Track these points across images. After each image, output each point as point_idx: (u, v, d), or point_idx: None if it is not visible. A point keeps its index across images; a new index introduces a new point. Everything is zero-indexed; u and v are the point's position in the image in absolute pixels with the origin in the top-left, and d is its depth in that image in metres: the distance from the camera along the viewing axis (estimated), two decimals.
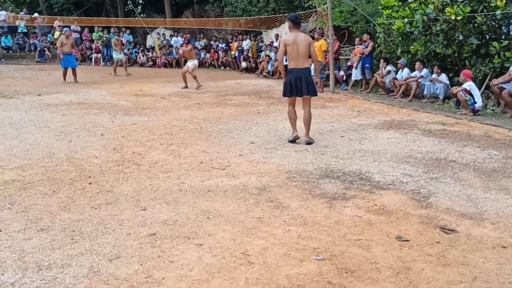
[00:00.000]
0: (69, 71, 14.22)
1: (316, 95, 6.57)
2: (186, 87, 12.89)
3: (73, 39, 15.02)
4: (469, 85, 8.89)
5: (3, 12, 22.76)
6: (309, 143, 6.27)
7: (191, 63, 13.28)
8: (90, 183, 4.57)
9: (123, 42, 22.23)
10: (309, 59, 6.59)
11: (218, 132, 7.08)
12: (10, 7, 25.76)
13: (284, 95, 6.51)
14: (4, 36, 21.43)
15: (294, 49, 6.22)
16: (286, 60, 6.51)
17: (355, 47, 13.30)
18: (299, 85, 6.27)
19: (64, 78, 14.27)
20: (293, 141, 6.38)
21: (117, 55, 17.38)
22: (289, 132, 6.67)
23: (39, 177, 4.72)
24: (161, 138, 6.64)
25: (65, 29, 17.11)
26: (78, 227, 3.51)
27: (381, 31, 12.20)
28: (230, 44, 20.50)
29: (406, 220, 3.73)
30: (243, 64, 18.92)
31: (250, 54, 19.32)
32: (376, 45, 12.81)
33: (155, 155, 5.72)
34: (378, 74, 12.14)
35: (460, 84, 9.31)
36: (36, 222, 3.58)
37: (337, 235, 3.42)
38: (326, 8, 12.49)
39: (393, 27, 11.52)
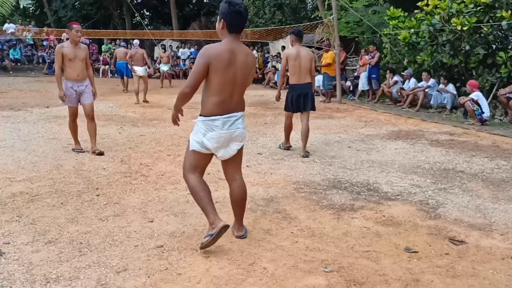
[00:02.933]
0: None
1: (315, 110, 6.55)
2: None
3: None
4: (477, 95, 8.87)
5: (12, 25, 23.02)
6: (305, 156, 6.22)
7: None
8: (97, 195, 4.58)
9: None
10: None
11: None
12: (19, 20, 26.08)
13: (286, 109, 6.49)
14: (12, 49, 21.66)
15: (296, 64, 6.17)
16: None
17: (361, 57, 13.34)
18: (300, 102, 6.25)
19: None
20: (284, 148, 6.57)
21: (163, 67, 17.51)
22: (296, 143, 6.68)
23: (47, 189, 4.74)
24: (168, 150, 6.66)
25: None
26: (86, 239, 3.51)
27: (387, 41, 12.23)
28: None
29: (415, 232, 3.70)
30: None
31: (256, 65, 19.39)
32: (382, 56, 12.83)
33: (162, 166, 5.73)
34: (385, 84, 12.14)
35: (467, 94, 9.29)
36: (44, 235, 3.58)
37: (345, 247, 3.40)
38: (332, 19, 12.55)
39: (399, 38, 11.54)
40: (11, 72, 20.12)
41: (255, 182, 5.08)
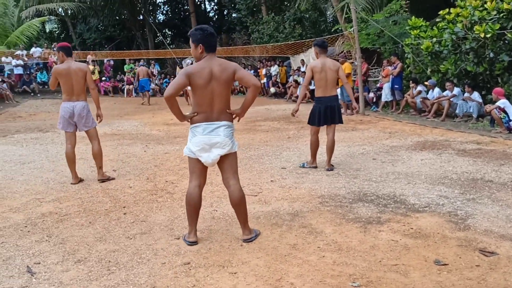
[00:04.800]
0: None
1: (342, 122, 6.45)
2: None
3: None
4: (503, 102, 8.70)
5: (38, 49, 23.71)
6: (330, 170, 6.16)
7: None
8: (124, 213, 4.65)
9: (153, 72, 22.85)
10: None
11: (249, 158, 7.10)
12: (45, 44, 26.85)
13: (311, 123, 6.30)
14: (39, 72, 22.27)
15: (322, 76, 6.04)
16: (312, 85, 6.43)
17: (384, 68, 13.26)
18: (328, 115, 6.12)
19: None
20: (309, 167, 6.30)
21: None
22: (320, 157, 6.64)
23: (75, 209, 4.83)
24: None
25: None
26: (114, 257, 3.56)
27: (410, 51, 12.13)
28: (259, 71, 20.73)
29: (444, 243, 3.63)
30: (272, 90, 19.08)
31: (278, 80, 19.48)
32: (405, 66, 12.73)
33: (187, 183, 5.69)
34: (409, 95, 12.03)
35: (493, 102, 9.13)
36: (73, 254, 3.65)
37: (373, 261, 3.35)
38: (353, 31, 12.54)
39: (421, 47, 11.44)
40: (38, 95, 20.68)
41: (279, 196, 5.07)
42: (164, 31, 31.36)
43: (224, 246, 3.71)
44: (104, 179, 5.96)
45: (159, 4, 31.64)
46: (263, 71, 20.14)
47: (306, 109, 13.60)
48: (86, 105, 5.89)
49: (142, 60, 23.31)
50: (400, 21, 13.53)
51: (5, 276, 3.28)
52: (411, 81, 12.11)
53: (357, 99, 12.63)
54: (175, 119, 8.32)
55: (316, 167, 6.32)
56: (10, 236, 4.08)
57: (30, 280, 3.20)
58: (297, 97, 16.84)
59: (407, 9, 14.23)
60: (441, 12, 11.15)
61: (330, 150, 6.24)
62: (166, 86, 22.37)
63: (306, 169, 6.24)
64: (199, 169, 3.76)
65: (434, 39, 11.13)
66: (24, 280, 3.21)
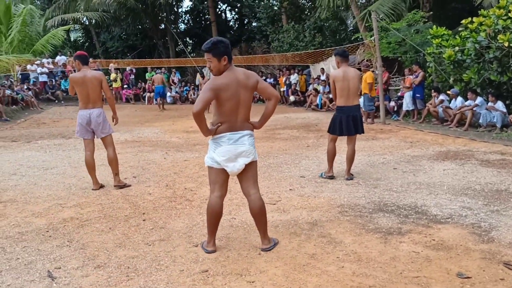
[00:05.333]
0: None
1: (364, 132, 6.39)
2: None
3: None
4: None
5: (63, 57, 24.18)
6: (350, 179, 6.08)
7: None
8: (144, 220, 4.67)
9: (174, 80, 23.10)
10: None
11: (268, 166, 7.09)
12: (69, 52, 27.37)
13: (332, 132, 6.22)
14: (64, 80, 22.67)
15: (344, 86, 5.97)
16: None
17: (405, 77, 13.15)
18: (350, 125, 6.05)
19: None
20: (326, 177, 6.17)
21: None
22: (339, 166, 6.59)
23: (96, 215, 4.88)
24: None
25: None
26: (133, 263, 3.57)
27: (431, 60, 12.00)
28: (278, 79, 20.75)
29: (467, 256, 3.55)
30: (291, 98, 19.07)
31: (298, 88, 19.47)
32: (427, 75, 12.59)
33: (206, 191, 5.78)
34: (431, 104, 11.88)
35: None
36: (93, 259, 3.67)
37: (394, 272, 3.29)
38: (374, 40, 12.47)
39: (443, 56, 11.31)
40: (62, 102, 21.05)
41: (298, 205, 5.04)
42: (185, 39, 31.66)
43: (242, 255, 3.70)
44: (120, 186, 6.02)
45: (181, 13, 32.01)
46: (283, 79, 20.15)
47: (325, 117, 13.58)
48: (102, 112, 5.97)
49: (163, 68, 23.57)
50: (422, 30, 13.40)
51: (27, 280, 3.32)
52: (433, 90, 11.97)
53: (378, 108, 12.55)
54: (195, 127, 8.29)
55: (333, 177, 6.20)
56: (32, 241, 4.14)
57: (51, 285, 3.23)
58: (316, 105, 16.84)
59: (427, 19, 14.10)
60: (463, 21, 11.02)
61: (350, 160, 6.18)
62: (186, 94, 22.64)
63: (325, 179, 6.19)
64: (222, 179, 3.73)
65: (457, 48, 10.99)
66: (45, 284, 3.25)
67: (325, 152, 6.47)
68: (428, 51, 11.97)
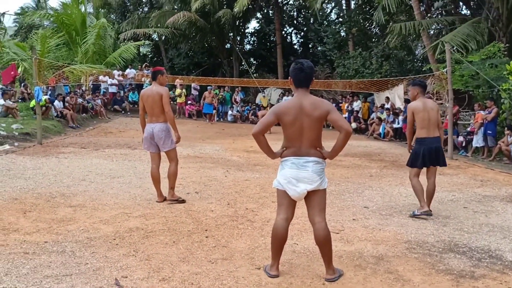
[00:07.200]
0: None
1: (446, 165, 6.12)
2: None
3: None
4: None
5: (133, 71, 25.19)
6: (429, 214, 5.79)
7: None
8: (206, 237, 4.68)
9: (236, 100, 23.45)
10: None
11: (330, 193, 6.94)
12: (139, 66, 28.48)
13: (412, 165, 5.95)
14: (131, 92, 23.58)
15: (425, 117, 5.80)
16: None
17: (476, 112, 12.63)
18: (433, 156, 5.81)
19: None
20: (421, 214, 5.72)
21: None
22: (405, 199, 6.36)
23: (160, 227, 4.95)
24: (273, 196, 6.66)
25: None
26: (197, 280, 3.57)
27: (506, 96, 11.46)
28: (341, 105, 20.57)
29: None
30: (353, 125, 18.80)
31: (360, 115, 19.19)
32: (500, 111, 12.03)
33: (267, 213, 5.75)
34: (503, 142, 11.31)
35: None
36: (158, 271, 3.71)
37: None
38: (446, 71, 12.10)
39: None
40: (129, 113, 21.85)
41: (362, 237, 4.88)
42: (249, 60, 32.16)
43: (306, 283, 3.61)
44: (173, 200, 6.07)
45: (247, 34, 32.61)
46: (345, 106, 19.95)
47: (388, 147, 13.24)
48: (165, 126, 6.05)
49: (226, 87, 24.03)
50: (497, 64, 12.87)
51: (95, 286, 3.39)
52: (506, 128, 11.40)
53: (445, 142, 12.09)
54: (255, 146, 8.22)
55: (430, 213, 5.74)
56: (100, 247, 4.24)
57: None
58: (379, 134, 16.50)
59: (505, 52, 13.54)
60: None
61: (431, 194, 5.93)
62: (247, 114, 22.88)
63: (391, 211, 5.98)
64: (288, 202, 3.72)
65: None
66: None
67: (390, 183, 6.29)
68: (504, 87, 11.45)
